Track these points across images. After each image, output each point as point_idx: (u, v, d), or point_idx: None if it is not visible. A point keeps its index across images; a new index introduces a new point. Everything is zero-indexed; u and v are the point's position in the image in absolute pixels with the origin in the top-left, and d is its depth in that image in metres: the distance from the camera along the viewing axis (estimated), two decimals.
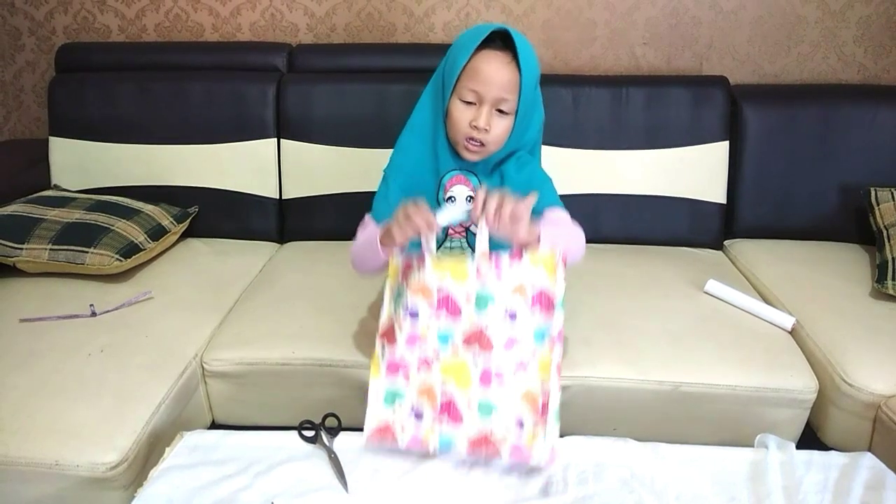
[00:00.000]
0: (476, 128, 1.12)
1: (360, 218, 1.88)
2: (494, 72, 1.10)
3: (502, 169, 1.21)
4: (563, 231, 1.12)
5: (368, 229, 1.20)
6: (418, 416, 1.04)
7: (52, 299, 1.55)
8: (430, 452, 1.03)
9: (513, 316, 1.03)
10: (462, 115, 1.13)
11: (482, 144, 1.15)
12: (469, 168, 1.22)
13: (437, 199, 1.23)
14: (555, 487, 1.00)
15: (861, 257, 1.77)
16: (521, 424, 1.02)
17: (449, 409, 1.03)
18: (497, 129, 1.14)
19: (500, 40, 1.11)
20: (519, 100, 1.12)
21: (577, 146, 1.86)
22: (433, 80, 1.21)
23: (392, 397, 1.05)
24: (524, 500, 0.98)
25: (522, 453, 1.01)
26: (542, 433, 1.00)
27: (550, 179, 1.25)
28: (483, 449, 1.02)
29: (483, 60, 1.10)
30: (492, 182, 1.22)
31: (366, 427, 1.04)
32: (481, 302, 1.04)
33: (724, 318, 1.52)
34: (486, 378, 1.03)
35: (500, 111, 1.13)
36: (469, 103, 1.13)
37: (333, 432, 1.10)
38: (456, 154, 1.20)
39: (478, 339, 1.03)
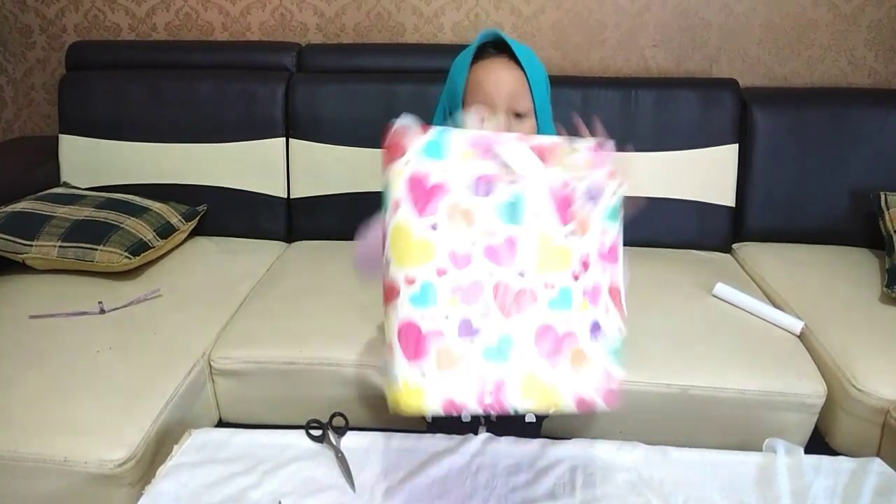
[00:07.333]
0: None
1: (369, 218, 1.90)
2: (497, 77, 1.01)
3: None
4: None
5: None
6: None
7: (61, 296, 1.56)
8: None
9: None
10: None
11: None
12: None
13: None
14: (562, 490, 1.00)
15: (870, 262, 1.76)
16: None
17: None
18: None
19: (493, 49, 1.04)
20: (533, 97, 1.04)
21: None
22: (437, 115, 1.10)
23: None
24: (532, 502, 0.98)
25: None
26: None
27: None
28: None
29: (481, 71, 1.02)
30: None
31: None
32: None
33: (732, 321, 1.51)
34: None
35: (518, 115, 1.03)
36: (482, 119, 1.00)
37: (341, 432, 1.10)
38: None
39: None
